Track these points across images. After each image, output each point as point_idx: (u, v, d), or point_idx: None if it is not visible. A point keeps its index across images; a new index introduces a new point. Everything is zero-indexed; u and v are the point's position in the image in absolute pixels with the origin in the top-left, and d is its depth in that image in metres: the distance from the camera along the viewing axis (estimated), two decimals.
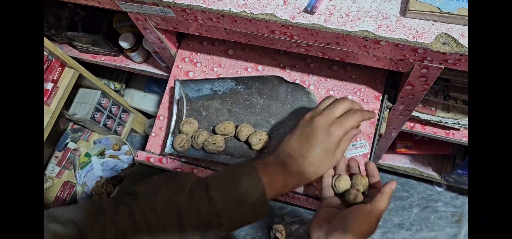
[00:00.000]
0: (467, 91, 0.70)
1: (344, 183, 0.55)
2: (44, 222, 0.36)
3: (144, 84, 1.31)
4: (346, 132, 0.50)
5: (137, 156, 0.67)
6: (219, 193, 0.45)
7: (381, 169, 1.21)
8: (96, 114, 1.19)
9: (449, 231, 1.19)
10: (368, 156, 0.64)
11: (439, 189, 1.25)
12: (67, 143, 1.32)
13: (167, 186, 0.46)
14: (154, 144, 0.69)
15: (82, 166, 1.26)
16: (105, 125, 1.24)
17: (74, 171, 1.27)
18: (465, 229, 1.18)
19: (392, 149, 1.07)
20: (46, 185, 1.28)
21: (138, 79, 1.33)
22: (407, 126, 0.80)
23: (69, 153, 1.31)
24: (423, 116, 0.73)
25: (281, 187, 0.49)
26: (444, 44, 0.48)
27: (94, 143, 1.30)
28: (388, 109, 0.69)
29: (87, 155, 1.28)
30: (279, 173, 0.49)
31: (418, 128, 0.79)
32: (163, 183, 0.47)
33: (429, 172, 1.11)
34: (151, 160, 0.66)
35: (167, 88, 0.72)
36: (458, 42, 0.47)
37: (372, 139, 0.65)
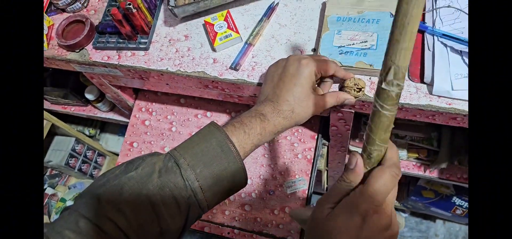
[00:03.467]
0: (397, 126, 0.77)
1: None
2: None
3: (118, 128, 1.37)
4: (319, 71, 0.48)
5: None
6: (192, 169, 0.40)
7: None
8: (71, 160, 1.24)
9: None
10: (306, 191, 0.70)
11: (404, 215, 1.29)
12: (45, 189, 1.36)
13: (130, 179, 0.39)
14: None
15: (57, 211, 1.29)
16: (80, 170, 1.29)
17: (49, 217, 1.30)
18: None
19: None
20: None
21: (112, 124, 1.39)
22: None
23: (46, 199, 1.35)
24: (361, 150, 0.79)
25: (261, 136, 0.45)
26: None
27: (69, 188, 1.34)
28: (326, 147, 0.76)
29: (63, 200, 1.31)
30: (256, 123, 0.45)
31: None
32: (124, 175, 0.40)
33: None
34: None
35: (125, 135, 0.79)
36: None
37: (309, 175, 0.71)
